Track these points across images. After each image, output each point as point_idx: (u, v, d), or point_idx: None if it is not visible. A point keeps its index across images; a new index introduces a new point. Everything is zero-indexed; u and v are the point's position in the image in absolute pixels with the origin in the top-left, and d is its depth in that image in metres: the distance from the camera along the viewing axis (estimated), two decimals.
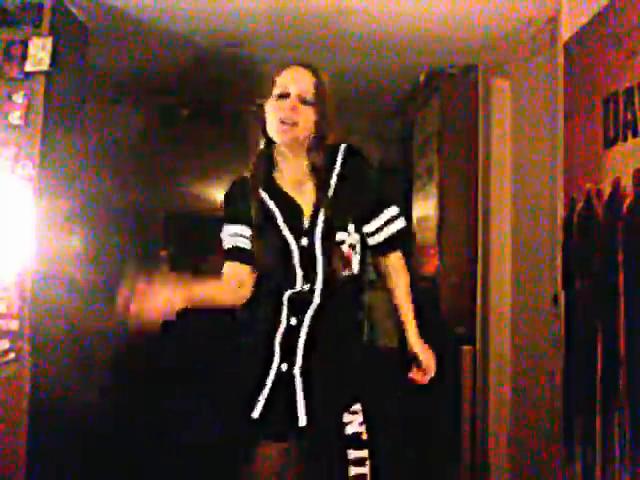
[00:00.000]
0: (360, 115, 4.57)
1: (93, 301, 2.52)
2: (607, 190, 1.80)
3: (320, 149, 1.58)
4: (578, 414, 1.98)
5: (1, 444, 2.12)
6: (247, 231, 1.61)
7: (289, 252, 1.56)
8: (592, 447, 1.85)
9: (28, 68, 2.27)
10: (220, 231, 1.69)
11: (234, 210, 1.66)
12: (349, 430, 1.53)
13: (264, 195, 1.61)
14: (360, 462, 1.53)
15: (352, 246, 1.57)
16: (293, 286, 1.55)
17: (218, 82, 3.74)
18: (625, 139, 1.71)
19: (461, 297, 2.97)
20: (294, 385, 1.52)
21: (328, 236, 1.54)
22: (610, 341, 1.77)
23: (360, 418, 1.54)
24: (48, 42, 2.28)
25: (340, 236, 1.55)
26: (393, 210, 1.63)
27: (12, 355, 2.18)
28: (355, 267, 1.59)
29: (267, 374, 1.54)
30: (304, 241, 1.55)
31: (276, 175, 1.64)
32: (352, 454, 1.52)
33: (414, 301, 1.75)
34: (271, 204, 1.60)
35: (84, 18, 2.57)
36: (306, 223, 1.56)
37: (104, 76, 3.27)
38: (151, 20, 2.72)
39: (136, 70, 3.43)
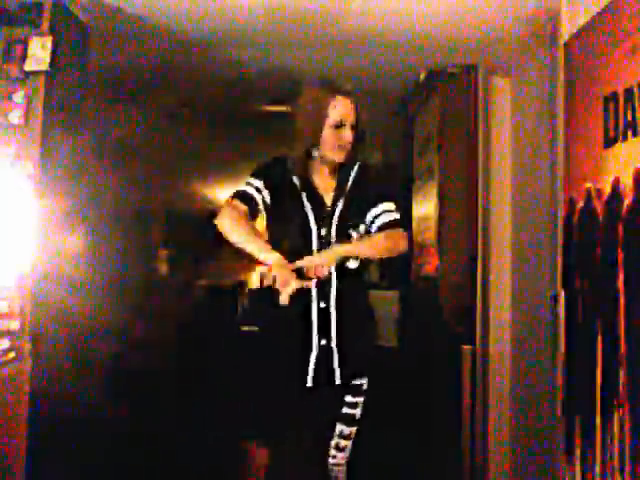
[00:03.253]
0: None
1: (93, 301, 2.52)
2: (607, 190, 1.80)
3: (350, 165, 1.97)
4: (578, 414, 1.98)
5: (1, 444, 2.12)
6: (264, 191, 1.91)
7: (310, 239, 1.89)
8: (592, 447, 1.85)
9: (28, 68, 2.27)
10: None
11: (265, 172, 1.94)
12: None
13: (298, 183, 1.93)
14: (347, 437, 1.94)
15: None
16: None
17: (218, 82, 3.74)
18: (625, 139, 1.71)
19: (461, 297, 2.97)
20: (332, 355, 1.87)
21: (342, 229, 1.91)
22: (610, 341, 1.77)
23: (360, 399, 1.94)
24: (48, 42, 2.28)
25: (351, 231, 1.92)
26: (389, 204, 1.97)
27: (12, 355, 2.18)
28: (357, 261, 1.91)
29: (310, 349, 1.86)
30: (323, 231, 1.89)
31: (312, 174, 1.97)
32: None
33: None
34: (303, 194, 1.92)
35: (84, 18, 2.57)
36: (326, 216, 1.91)
37: (104, 76, 3.27)
38: (151, 19, 2.72)
39: (136, 70, 3.43)
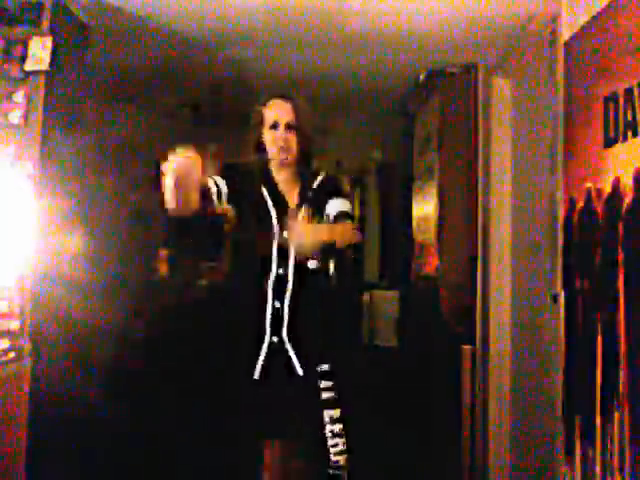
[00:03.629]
0: (360, 114, 4.58)
1: (93, 301, 2.52)
2: (607, 190, 1.80)
3: (306, 166, 2.05)
4: (578, 414, 1.98)
5: (1, 444, 2.12)
6: (224, 189, 1.93)
7: (272, 239, 1.93)
8: (592, 447, 1.85)
9: (28, 68, 2.27)
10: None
11: (227, 172, 1.97)
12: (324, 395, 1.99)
13: (263, 188, 2.00)
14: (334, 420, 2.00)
15: None
16: (269, 270, 1.93)
17: (218, 81, 3.74)
18: (625, 139, 1.71)
19: (461, 297, 2.97)
20: (286, 350, 1.94)
21: None
22: (610, 341, 1.77)
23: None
24: (48, 42, 2.28)
25: None
26: (342, 201, 2.01)
27: (12, 355, 2.18)
28: (317, 262, 1.97)
29: (260, 345, 1.92)
30: (285, 234, 1.90)
31: (274, 177, 2.04)
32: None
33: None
34: (268, 198, 1.98)
35: (84, 18, 2.57)
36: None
37: (104, 76, 3.27)
38: (151, 19, 2.72)
39: (136, 70, 3.43)
